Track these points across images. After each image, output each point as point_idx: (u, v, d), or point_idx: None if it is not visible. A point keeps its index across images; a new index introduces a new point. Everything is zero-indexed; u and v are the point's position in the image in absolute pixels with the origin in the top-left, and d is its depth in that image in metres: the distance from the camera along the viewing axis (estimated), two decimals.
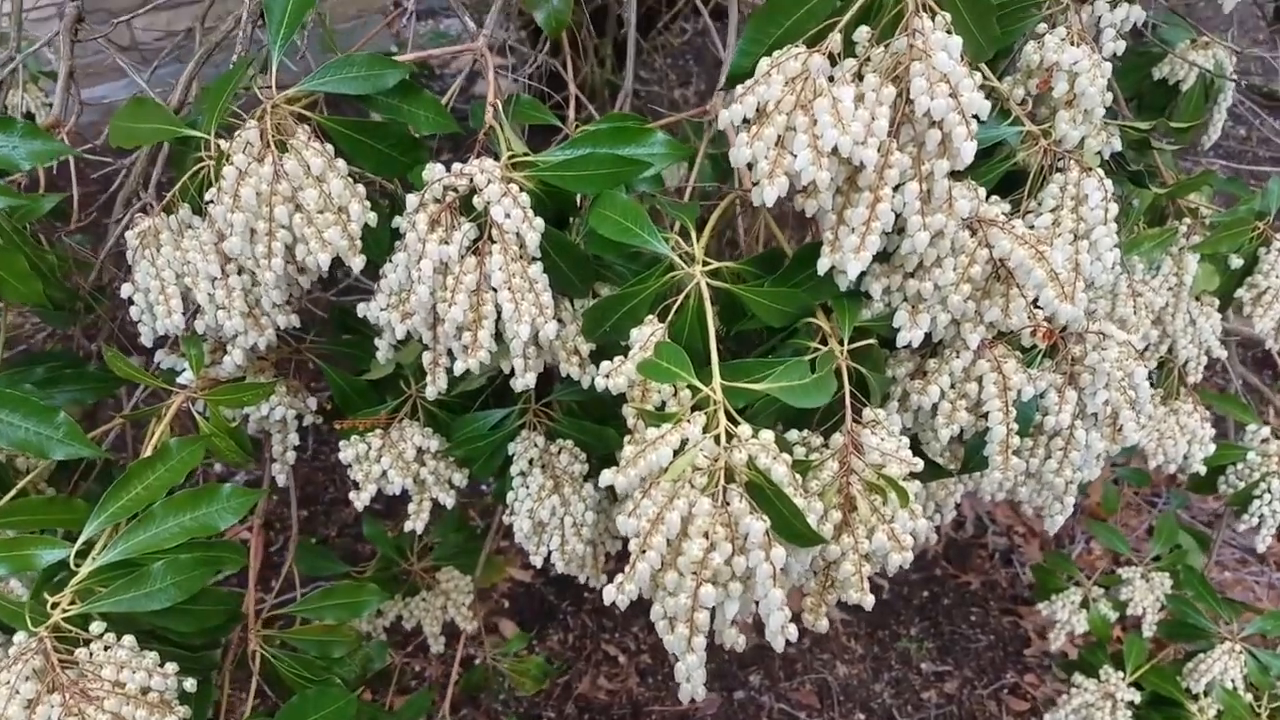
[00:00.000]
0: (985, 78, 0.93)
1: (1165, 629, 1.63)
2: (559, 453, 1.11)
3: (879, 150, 0.73)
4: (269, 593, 1.31)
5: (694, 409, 0.75)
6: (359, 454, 1.11)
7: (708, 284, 0.82)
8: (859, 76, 0.75)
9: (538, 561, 1.16)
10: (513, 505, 1.12)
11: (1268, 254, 1.37)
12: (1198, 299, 1.38)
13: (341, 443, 1.11)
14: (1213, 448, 1.42)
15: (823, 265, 0.80)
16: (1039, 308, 0.87)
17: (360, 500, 1.12)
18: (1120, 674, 1.57)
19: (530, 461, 1.11)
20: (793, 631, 0.73)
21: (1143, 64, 1.71)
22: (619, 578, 0.73)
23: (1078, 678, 1.61)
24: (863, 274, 0.85)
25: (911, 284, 0.83)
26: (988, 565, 2.84)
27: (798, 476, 0.74)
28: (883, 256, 0.85)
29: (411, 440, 1.11)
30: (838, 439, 0.82)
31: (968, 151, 0.74)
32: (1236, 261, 1.38)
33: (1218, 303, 1.40)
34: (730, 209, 0.93)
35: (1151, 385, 1.42)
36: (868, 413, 0.83)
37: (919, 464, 0.79)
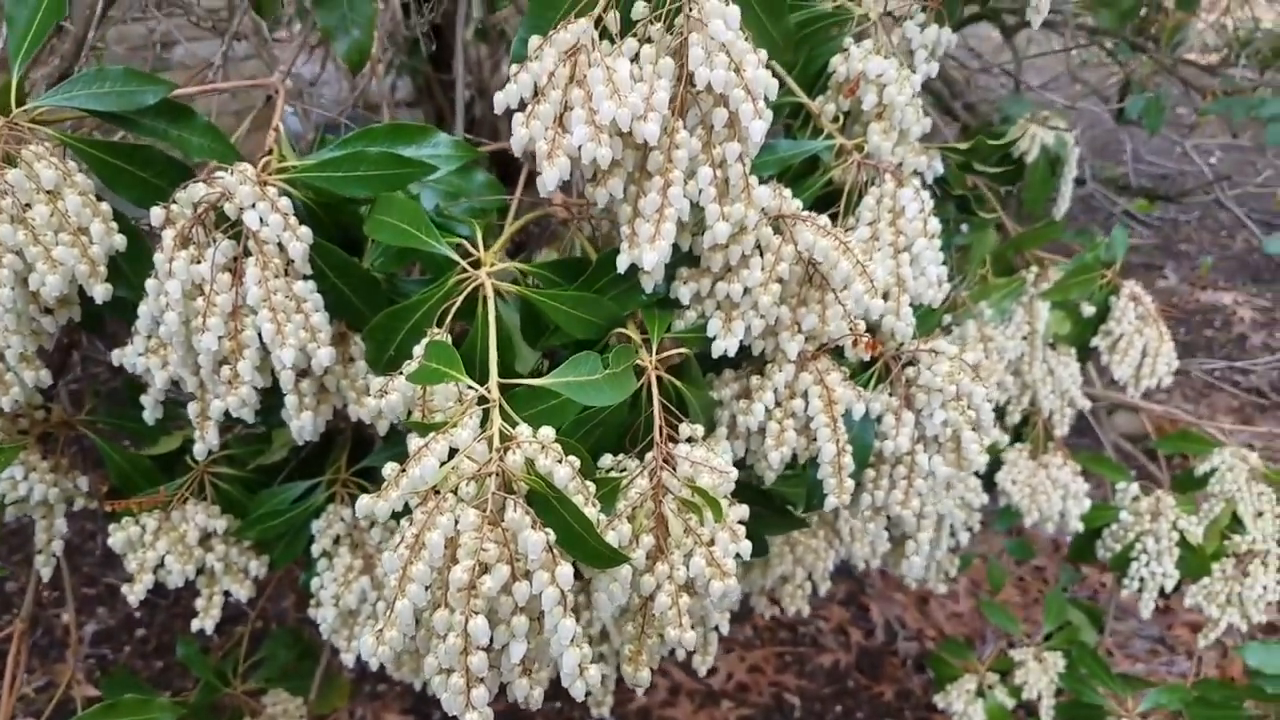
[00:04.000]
0: (793, 93, 0.91)
1: (1063, 712, 1.53)
2: (371, 527, 0.98)
3: (663, 127, 0.67)
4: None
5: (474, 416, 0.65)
6: (131, 538, 0.96)
7: (499, 287, 0.73)
8: (638, 57, 0.70)
9: (349, 660, 1.00)
10: (316, 593, 0.98)
11: (1118, 301, 1.37)
12: (1054, 348, 1.36)
13: (111, 526, 0.96)
14: (1088, 503, 1.37)
15: (622, 262, 0.72)
16: (860, 317, 0.81)
17: (134, 594, 0.96)
18: None
19: (335, 539, 0.98)
20: (594, 675, 0.61)
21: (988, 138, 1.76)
22: (377, 625, 0.60)
23: None
24: (671, 279, 0.78)
25: (721, 287, 0.77)
26: (900, 673, 2.72)
27: (589, 485, 0.63)
28: (691, 260, 0.78)
29: (194, 521, 0.97)
30: (651, 455, 0.72)
31: (757, 130, 0.69)
32: (1089, 309, 1.37)
33: (1075, 352, 1.38)
34: (542, 225, 0.86)
35: (1019, 440, 1.39)
36: (685, 428, 0.74)
37: (733, 471, 0.70)
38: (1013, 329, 1.30)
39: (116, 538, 0.95)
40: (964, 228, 1.11)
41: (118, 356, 0.84)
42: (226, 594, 1.00)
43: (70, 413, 1.02)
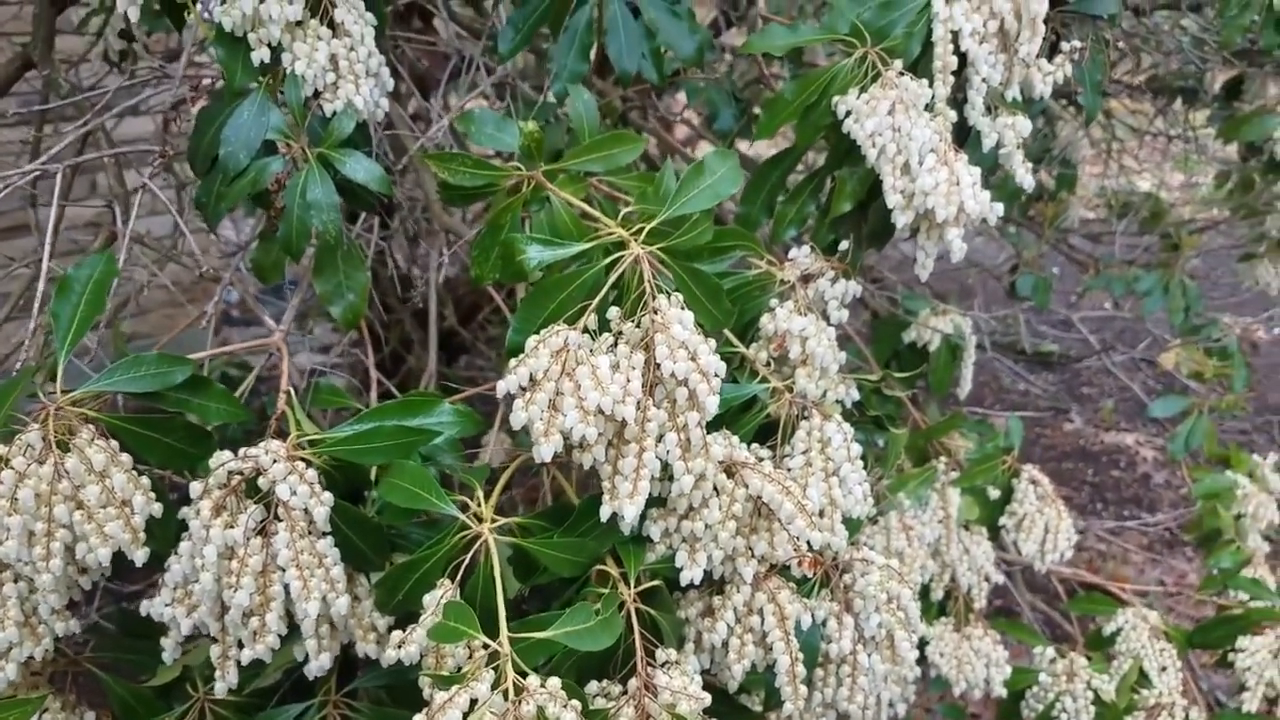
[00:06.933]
0: (732, 344, 1.08)
1: None
2: None
3: (637, 407, 0.83)
4: None
5: (487, 666, 0.76)
6: None
7: (498, 540, 0.86)
8: (614, 348, 0.86)
9: None
10: None
11: (1019, 484, 1.56)
12: (968, 529, 1.53)
13: None
14: (1008, 669, 1.51)
15: (604, 512, 0.86)
16: (803, 541, 0.95)
17: None
18: None
19: None
20: None
21: (894, 331, 1.98)
22: None
23: None
24: (643, 519, 0.92)
25: (686, 525, 0.91)
26: None
27: None
28: (659, 502, 0.92)
29: None
30: (634, 684, 0.84)
31: (711, 404, 0.85)
32: (994, 493, 1.55)
33: (986, 531, 1.55)
34: (530, 469, 0.99)
35: (943, 614, 1.53)
36: (661, 654, 0.86)
37: (706, 698, 0.82)
38: (929, 515, 1.46)
39: None
40: (880, 442, 1.28)
41: (146, 606, 0.93)
42: None
43: (75, 651, 1.08)
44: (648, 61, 1.19)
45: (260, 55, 1.04)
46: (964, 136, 1.19)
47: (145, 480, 0.90)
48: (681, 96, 2.26)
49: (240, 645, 0.89)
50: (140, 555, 0.88)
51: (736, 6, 2.14)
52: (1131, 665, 1.56)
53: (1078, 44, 1.31)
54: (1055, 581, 1.88)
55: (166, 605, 0.91)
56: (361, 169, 1.03)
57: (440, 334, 2.77)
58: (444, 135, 1.42)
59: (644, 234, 0.89)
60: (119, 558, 0.92)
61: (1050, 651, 1.58)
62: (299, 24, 1.04)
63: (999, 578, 1.55)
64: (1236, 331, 2.60)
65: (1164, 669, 1.56)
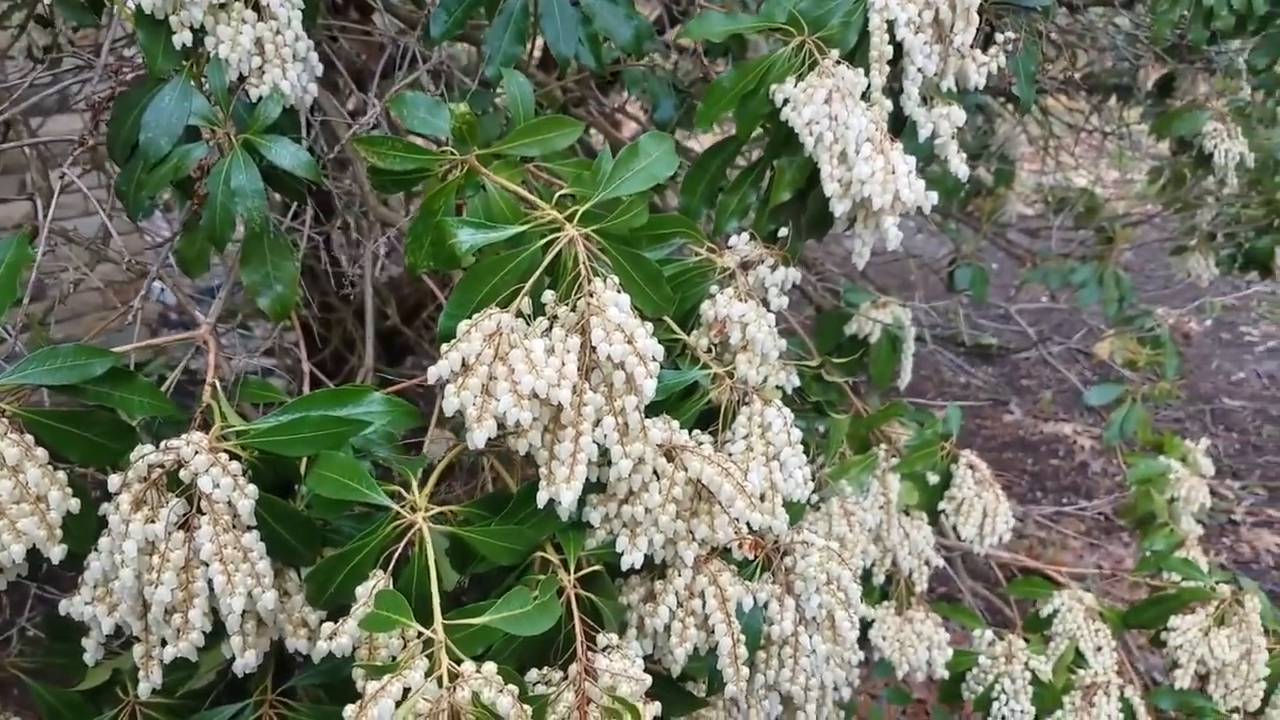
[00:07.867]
0: (673, 331, 1.07)
1: None
2: None
3: (573, 391, 0.82)
4: None
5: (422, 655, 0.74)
6: None
7: (433, 529, 0.84)
8: (549, 331, 0.85)
9: None
10: None
11: (958, 469, 1.58)
12: (908, 514, 1.54)
13: None
14: (950, 651, 1.53)
15: (541, 498, 0.85)
16: (744, 523, 0.95)
17: None
18: None
19: None
20: None
21: (838, 324, 2.00)
22: None
23: None
24: (582, 505, 0.91)
25: (626, 509, 0.90)
26: None
27: (526, 709, 0.73)
28: (598, 487, 0.91)
29: None
30: (575, 669, 0.82)
31: (649, 387, 0.84)
32: (934, 478, 1.57)
33: (926, 516, 1.57)
34: (470, 462, 0.97)
35: (885, 598, 1.54)
36: (602, 639, 0.85)
37: (647, 679, 0.81)
38: (870, 500, 1.48)
39: None
40: (821, 428, 1.29)
41: (65, 606, 0.89)
42: None
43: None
44: (585, 47, 1.18)
45: (182, 38, 1.01)
46: (900, 126, 1.20)
47: (61, 475, 0.86)
48: (626, 98, 2.26)
49: (164, 643, 0.86)
50: (57, 553, 0.84)
51: (679, 1, 2.14)
52: (1068, 646, 1.59)
53: (1012, 35, 1.34)
54: (995, 567, 1.91)
55: (86, 604, 0.88)
56: (288, 155, 1.01)
57: (383, 333, 2.73)
58: (381, 128, 1.40)
59: (578, 216, 0.88)
60: (43, 562, 0.89)
61: (989, 634, 1.60)
62: (222, 6, 1.01)
63: (939, 562, 1.57)
64: (1169, 322, 2.68)
65: (1099, 649, 1.60)
